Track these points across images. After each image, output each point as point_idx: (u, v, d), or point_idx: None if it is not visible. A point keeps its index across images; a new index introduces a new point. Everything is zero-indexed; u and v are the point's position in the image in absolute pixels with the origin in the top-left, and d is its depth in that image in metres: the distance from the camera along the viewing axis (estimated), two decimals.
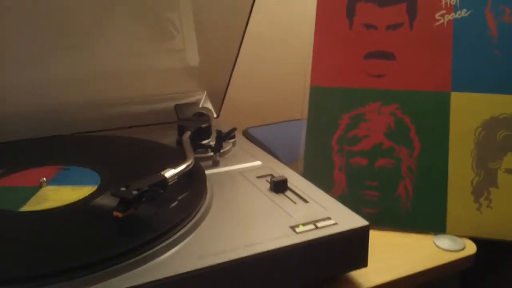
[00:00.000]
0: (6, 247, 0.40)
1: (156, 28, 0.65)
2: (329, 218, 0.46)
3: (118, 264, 0.37)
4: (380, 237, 0.57)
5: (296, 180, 0.54)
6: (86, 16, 0.59)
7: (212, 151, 0.60)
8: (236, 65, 0.73)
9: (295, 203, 0.49)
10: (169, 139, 0.65)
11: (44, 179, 0.50)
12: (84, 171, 0.53)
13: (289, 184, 0.52)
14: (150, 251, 0.39)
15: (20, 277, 0.36)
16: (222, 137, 0.60)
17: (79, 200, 0.46)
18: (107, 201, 0.46)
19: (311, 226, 0.44)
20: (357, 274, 0.48)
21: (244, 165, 0.59)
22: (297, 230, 0.44)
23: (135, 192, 0.41)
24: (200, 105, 0.74)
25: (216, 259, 0.39)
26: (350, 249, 0.45)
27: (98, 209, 0.45)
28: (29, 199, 0.47)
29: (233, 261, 0.40)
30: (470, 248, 0.55)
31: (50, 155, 0.58)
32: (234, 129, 0.64)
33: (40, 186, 0.49)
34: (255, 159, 0.60)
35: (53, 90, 0.63)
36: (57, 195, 0.47)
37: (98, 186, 0.49)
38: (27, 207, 0.45)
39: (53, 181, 0.50)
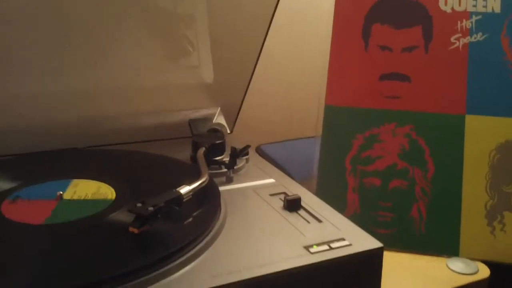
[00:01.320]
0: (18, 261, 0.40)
1: (172, 44, 0.66)
2: (343, 239, 0.45)
3: (132, 281, 0.38)
4: (393, 258, 0.56)
5: (309, 199, 0.54)
6: (101, 30, 0.60)
7: (225, 168, 0.60)
8: (251, 83, 0.73)
9: (308, 222, 0.49)
10: (183, 154, 0.65)
11: (61, 192, 0.50)
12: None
13: (302, 203, 0.52)
14: (164, 269, 0.39)
15: None
16: (236, 154, 0.61)
17: (95, 214, 0.47)
18: (121, 217, 0.46)
19: (325, 247, 0.44)
20: None
21: (258, 182, 0.59)
22: (311, 250, 0.43)
23: (151, 208, 0.42)
24: (214, 121, 0.74)
25: (229, 278, 0.39)
26: (364, 270, 0.45)
27: (113, 225, 0.46)
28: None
29: (246, 280, 0.39)
30: (484, 272, 0.55)
31: (63, 168, 0.58)
32: (248, 146, 0.64)
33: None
34: (269, 177, 0.60)
35: (68, 104, 0.64)
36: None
37: (114, 201, 0.50)
38: None
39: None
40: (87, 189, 0.52)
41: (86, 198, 0.50)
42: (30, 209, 0.48)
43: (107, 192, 0.52)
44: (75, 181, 0.54)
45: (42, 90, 0.61)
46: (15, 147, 0.62)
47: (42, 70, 0.60)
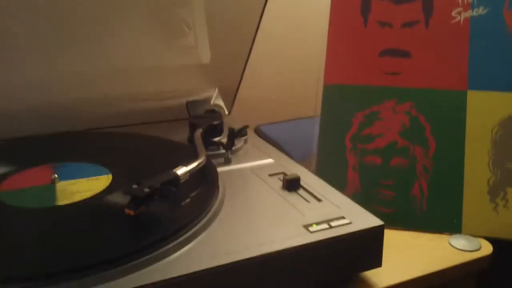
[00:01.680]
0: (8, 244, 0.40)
1: (168, 25, 0.65)
2: (343, 218, 0.45)
3: (129, 262, 0.37)
4: (394, 236, 0.56)
5: (308, 178, 0.53)
6: (97, 12, 0.59)
7: (224, 149, 0.59)
8: (248, 62, 0.72)
9: (308, 201, 0.48)
10: (180, 136, 0.64)
11: (56, 175, 0.49)
12: (79, 165, 0.53)
13: (301, 183, 0.52)
14: (162, 250, 0.39)
15: (31, 276, 0.35)
16: (234, 135, 0.60)
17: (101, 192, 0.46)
18: (118, 198, 0.46)
19: (325, 226, 0.44)
20: (371, 274, 0.48)
21: (256, 162, 0.58)
22: (311, 229, 0.43)
23: (147, 190, 0.41)
24: (212, 102, 0.73)
25: (228, 258, 0.39)
26: (364, 249, 0.45)
27: (109, 207, 0.45)
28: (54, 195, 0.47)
29: (245, 260, 0.39)
30: (486, 249, 0.54)
31: (60, 151, 0.58)
32: (246, 127, 0.63)
33: (53, 182, 0.49)
34: (267, 157, 0.60)
35: (64, 86, 0.63)
36: (80, 186, 0.48)
37: (112, 180, 0.49)
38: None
39: (63, 176, 0.50)
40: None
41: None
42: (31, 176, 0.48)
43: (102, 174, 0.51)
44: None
45: (37, 73, 0.61)
46: (9, 131, 0.61)
47: (37, 52, 0.59)
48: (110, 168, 0.52)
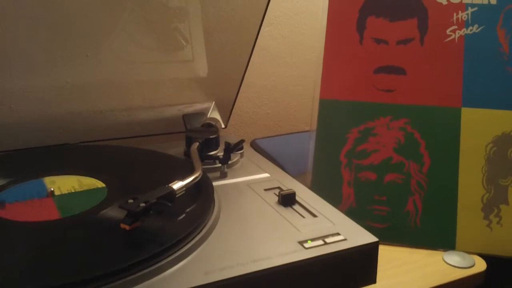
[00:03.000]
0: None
1: (165, 38, 0.65)
2: (338, 234, 0.45)
3: (123, 278, 0.37)
4: (388, 252, 0.56)
5: (304, 194, 0.53)
6: (94, 23, 0.59)
7: (220, 163, 0.59)
8: (245, 76, 0.73)
9: (303, 217, 0.49)
10: (176, 149, 0.65)
11: (52, 188, 0.50)
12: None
13: (297, 198, 0.52)
14: (156, 265, 0.39)
15: None
16: (230, 149, 0.60)
17: (88, 210, 0.46)
18: (113, 213, 0.46)
19: (320, 242, 0.44)
20: None
21: (252, 177, 0.58)
22: (306, 245, 0.43)
23: (142, 205, 0.41)
24: (208, 115, 0.74)
25: (222, 275, 0.39)
26: (359, 265, 0.45)
27: (104, 221, 0.45)
28: None
29: (239, 276, 0.39)
30: (480, 265, 0.54)
31: (56, 164, 0.57)
32: (242, 141, 0.63)
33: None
34: (263, 171, 0.60)
35: (60, 98, 0.63)
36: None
37: (107, 194, 0.49)
38: None
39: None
40: (68, 184, 0.51)
41: (75, 190, 0.50)
42: (32, 209, 0.47)
43: (92, 182, 0.51)
44: (47, 179, 0.53)
45: (33, 84, 0.60)
46: (4, 143, 0.61)
47: (33, 63, 0.59)
48: (105, 181, 0.52)
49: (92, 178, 0.52)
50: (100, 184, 0.51)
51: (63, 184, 0.52)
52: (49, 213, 0.46)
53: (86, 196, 0.48)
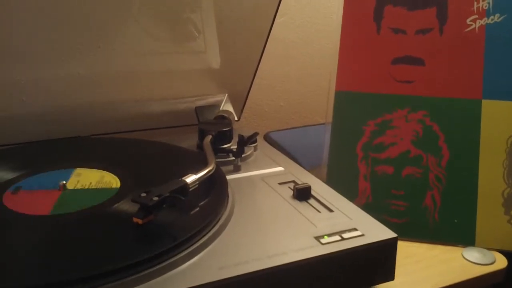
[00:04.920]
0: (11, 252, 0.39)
1: (177, 29, 0.64)
2: (355, 229, 0.44)
3: (136, 273, 0.36)
4: (406, 248, 0.55)
5: (319, 188, 0.52)
6: (105, 14, 0.58)
7: (233, 156, 0.58)
8: (259, 68, 0.71)
9: (319, 212, 0.48)
10: (189, 142, 0.64)
11: (64, 181, 0.49)
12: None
13: (312, 192, 0.51)
14: (170, 261, 0.38)
15: (35, 286, 0.34)
16: (244, 142, 0.59)
17: (99, 204, 0.45)
18: (126, 206, 0.45)
19: (337, 237, 0.43)
20: (383, 287, 0.47)
21: (266, 170, 0.57)
22: (322, 241, 0.42)
23: (155, 198, 0.40)
24: (221, 108, 0.73)
25: (237, 270, 0.38)
26: (377, 261, 0.44)
27: (117, 215, 0.44)
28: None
29: (255, 272, 0.38)
30: (501, 262, 0.53)
31: (65, 157, 0.57)
32: (256, 134, 0.62)
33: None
34: (277, 165, 0.59)
35: (71, 90, 0.63)
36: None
37: (120, 187, 0.48)
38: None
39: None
40: (91, 178, 0.51)
41: (90, 187, 0.49)
42: (34, 200, 0.47)
43: (111, 180, 0.50)
44: (78, 170, 0.53)
45: (44, 76, 0.60)
46: (16, 136, 0.61)
47: (44, 55, 0.59)
48: (118, 174, 0.51)
49: (114, 176, 0.51)
50: (116, 183, 0.50)
51: (85, 177, 0.51)
52: (43, 207, 0.45)
53: (95, 195, 0.47)
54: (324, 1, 0.86)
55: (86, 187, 0.49)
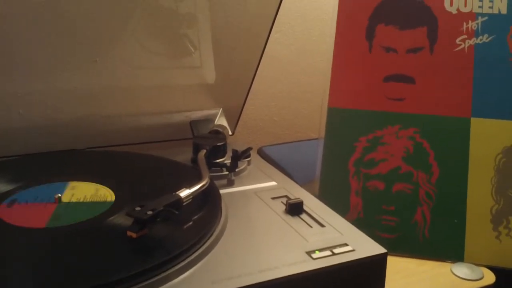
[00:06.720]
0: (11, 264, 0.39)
1: (174, 44, 0.65)
2: (346, 245, 0.45)
3: (130, 287, 0.37)
4: (396, 263, 0.55)
5: (311, 203, 0.53)
6: (103, 29, 0.59)
7: (227, 170, 0.59)
8: (253, 83, 0.72)
9: (311, 226, 0.48)
10: (183, 156, 0.64)
11: (59, 194, 0.49)
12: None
13: (304, 207, 0.51)
14: (163, 274, 0.38)
15: None
16: (238, 156, 0.60)
17: (94, 218, 0.46)
18: (120, 220, 0.45)
19: (328, 252, 0.43)
20: None
21: (259, 185, 0.58)
22: (314, 256, 0.43)
23: (150, 213, 0.41)
24: (216, 122, 0.73)
25: (230, 284, 0.38)
26: (367, 276, 0.44)
27: (111, 229, 0.45)
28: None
29: (246, 287, 0.39)
30: (489, 278, 0.54)
31: (60, 170, 0.57)
32: (250, 148, 0.63)
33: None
34: (271, 179, 0.60)
35: (68, 103, 0.63)
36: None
37: (114, 201, 0.49)
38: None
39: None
40: (86, 191, 0.51)
41: (85, 200, 0.49)
42: (29, 213, 0.47)
43: (106, 194, 0.51)
44: (72, 183, 0.53)
45: (41, 89, 0.60)
46: (13, 148, 0.61)
47: (41, 68, 0.59)
48: (112, 188, 0.52)
49: (109, 189, 0.52)
50: (111, 197, 0.50)
51: (80, 190, 0.51)
52: (39, 220, 0.45)
53: (90, 208, 0.48)
54: (317, 20, 0.88)
55: (81, 200, 0.50)
